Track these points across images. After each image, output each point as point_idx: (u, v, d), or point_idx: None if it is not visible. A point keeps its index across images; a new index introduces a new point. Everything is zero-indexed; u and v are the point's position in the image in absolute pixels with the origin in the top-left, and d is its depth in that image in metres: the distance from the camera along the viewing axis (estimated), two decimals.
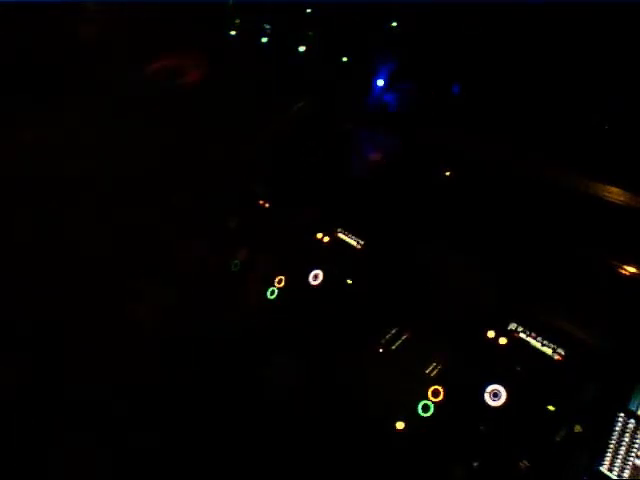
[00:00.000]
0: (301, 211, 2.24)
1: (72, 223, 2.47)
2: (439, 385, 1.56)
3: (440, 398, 1.55)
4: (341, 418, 1.64)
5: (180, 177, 2.63)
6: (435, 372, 1.61)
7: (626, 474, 1.27)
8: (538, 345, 1.53)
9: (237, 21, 3.42)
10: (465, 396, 1.53)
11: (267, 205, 2.40)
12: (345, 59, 2.79)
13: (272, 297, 2.03)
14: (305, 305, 1.95)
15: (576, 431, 1.34)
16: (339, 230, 2.09)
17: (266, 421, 1.77)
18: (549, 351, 1.51)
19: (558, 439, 1.35)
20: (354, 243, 2.04)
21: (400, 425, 1.54)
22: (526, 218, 1.82)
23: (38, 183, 2.56)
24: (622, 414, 1.33)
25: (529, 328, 1.56)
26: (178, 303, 2.21)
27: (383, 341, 1.73)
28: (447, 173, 2.09)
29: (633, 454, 1.28)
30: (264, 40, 3.23)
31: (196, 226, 2.46)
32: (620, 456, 1.29)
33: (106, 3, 3.18)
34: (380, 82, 2.58)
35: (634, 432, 1.30)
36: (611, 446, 1.31)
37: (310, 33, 2.99)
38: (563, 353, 1.48)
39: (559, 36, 2.07)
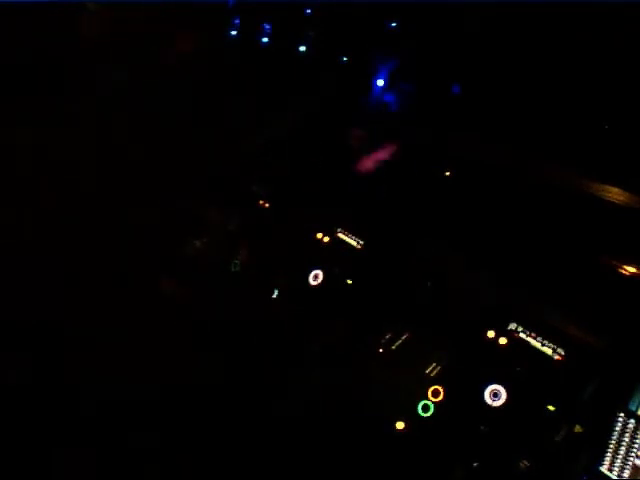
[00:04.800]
0: (301, 211, 2.24)
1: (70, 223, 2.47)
2: (439, 385, 1.56)
3: (440, 398, 1.55)
4: (341, 418, 1.64)
5: (180, 177, 2.63)
6: (435, 372, 1.61)
7: (626, 474, 1.27)
8: (538, 345, 1.53)
9: (237, 21, 3.43)
10: (465, 396, 1.53)
11: (267, 205, 2.40)
12: (345, 59, 2.79)
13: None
14: (305, 305, 1.95)
15: (576, 431, 1.34)
16: (339, 230, 2.09)
17: (265, 421, 1.77)
18: (549, 351, 1.50)
19: (558, 439, 1.35)
20: (354, 243, 2.04)
21: (400, 425, 1.54)
22: (526, 218, 1.81)
23: (37, 182, 2.56)
24: (622, 414, 1.33)
25: (529, 328, 1.56)
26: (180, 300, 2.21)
27: (383, 341, 1.73)
28: (447, 173, 2.09)
29: (633, 454, 1.28)
30: (264, 40, 3.23)
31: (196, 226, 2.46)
32: (620, 456, 1.29)
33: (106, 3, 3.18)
34: (380, 82, 2.58)
35: (634, 432, 1.30)
36: (611, 446, 1.31)
37: (310, 33, 2.99)
38: (563, 353, 1.48)
39: (559, 36, 2.07)
